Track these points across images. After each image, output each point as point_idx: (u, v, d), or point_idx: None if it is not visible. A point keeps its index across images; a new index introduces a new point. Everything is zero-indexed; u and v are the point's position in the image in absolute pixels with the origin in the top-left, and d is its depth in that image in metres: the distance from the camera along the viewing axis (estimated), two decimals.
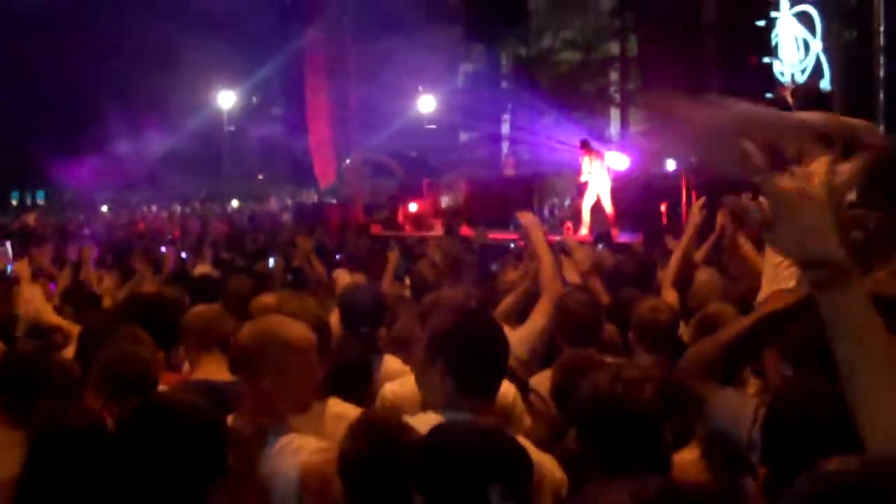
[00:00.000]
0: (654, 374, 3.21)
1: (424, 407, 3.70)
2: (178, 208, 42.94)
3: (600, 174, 20.13)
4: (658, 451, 3.01)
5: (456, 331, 3.58)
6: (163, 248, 14.97)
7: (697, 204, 6.57)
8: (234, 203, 46.44)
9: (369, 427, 3.08)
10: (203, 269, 10.79)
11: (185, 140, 44.19)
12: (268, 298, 5.47)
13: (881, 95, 4.25)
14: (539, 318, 5.24)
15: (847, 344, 1.91)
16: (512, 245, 15.43)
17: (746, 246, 6.60)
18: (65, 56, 41.39)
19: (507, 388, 4.57)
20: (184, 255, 14.60)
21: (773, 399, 2.76)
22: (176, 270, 10.87)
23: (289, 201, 39.56)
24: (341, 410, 4.10)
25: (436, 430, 2.81)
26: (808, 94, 5.40)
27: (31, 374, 4.17)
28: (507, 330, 4.32)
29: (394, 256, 9.91)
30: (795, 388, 2.92)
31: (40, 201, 53.77)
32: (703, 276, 6.80)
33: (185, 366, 5.20)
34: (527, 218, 6.11)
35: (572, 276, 7.02)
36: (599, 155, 20.54)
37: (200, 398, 3.16)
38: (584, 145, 20.86)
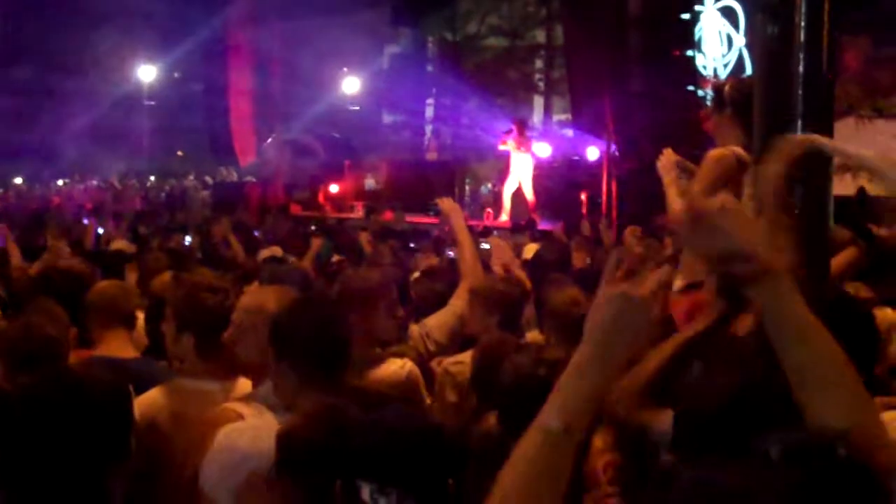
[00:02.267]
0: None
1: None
2: (94, 182, 42.22)
3: (524, 161, 20.19)
4: None
5: (293, 324, 3.50)
6: (85, 220, 14.69)
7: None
8: (152, 179, 45.82)
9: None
10: (118, 244, 10.62)
11: (104, 113, 43.43)
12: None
13: (800, 92, 4.32)
14: (458, 302, 5.30)
15: (786, 344, 1.95)
16: (435, 231, 15.47)
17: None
18: None
19: (404, 366, 4.59)
20: (100, 230, 14.37)
21: (682, 394, 2.83)
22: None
23: (208, 179, 39.07)
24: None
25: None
26: (742, 92, 5.46)
27: None
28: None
29: (317, 242, 9.88)
30: (701, 383, 3.02)
31: None
32: None
33: None
34: (447, 204, 6.15)
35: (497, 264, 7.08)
36: (528, 141, 20.60)
37: (105, 374, 3.09)
38: (521, 125, 20.89)
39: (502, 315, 5.31)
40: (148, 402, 3.87)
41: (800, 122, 4.77)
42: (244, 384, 4.00)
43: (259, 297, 3.98)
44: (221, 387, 3.95)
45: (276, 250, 9.65)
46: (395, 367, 4.61)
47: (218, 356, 3.98)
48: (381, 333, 4.74)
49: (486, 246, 8.86)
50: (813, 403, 1.92)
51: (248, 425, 3.32)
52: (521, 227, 13.92)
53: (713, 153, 5.54)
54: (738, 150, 5.43)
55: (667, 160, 5.73)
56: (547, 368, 3.03)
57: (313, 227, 15.73)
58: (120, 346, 4.72)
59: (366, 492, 2.28)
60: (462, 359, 5.03)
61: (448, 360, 5.13)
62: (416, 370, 4.68)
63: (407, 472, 2.27)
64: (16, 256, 8.22)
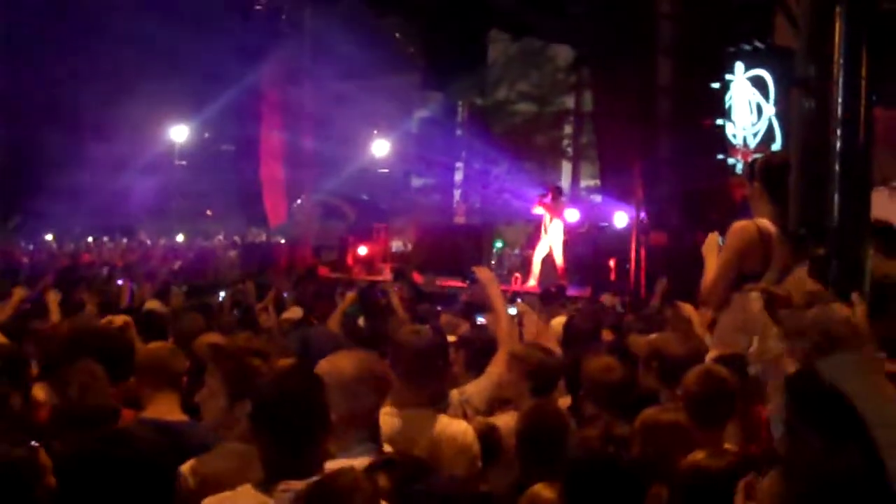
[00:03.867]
0: (637, 430, 3.26)
1: None
2: (125, 241, 42.54)
3: (556, 226, 20.23)
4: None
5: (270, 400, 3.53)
6: (119, 281, 14.79)
7: None
8: (180, 237, 46.14)
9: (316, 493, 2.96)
10: (151, 304, 10.69)
11: (135, 171, 43.83)
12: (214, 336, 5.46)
13: (837, 166, 4.37)
14: (495, 369, 5.36)
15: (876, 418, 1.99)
16: (463, 295, 15.48)
17: (688, 309, 6.68)
18: (13, 81, 41.05)
19: (467, 429, 4.62)
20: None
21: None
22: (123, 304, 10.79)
23: (237, 239, 39.32)
24: None
25: None
26: (770, 165, 5.52)
27: None
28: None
29: (349, 297, 9.90)
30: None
31: None
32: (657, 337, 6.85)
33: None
34: (483, 273, 6.25)
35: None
36: (562, 207, 20.64)
37: (156, 438, 3.13)
38: (557, 191, 20.97)
39: (537, 382, 5.35)
40: (201, 466, 3.90)
41: (836, 195, 4.80)
42: None
43: (335, 362, 4.01)
44: None
45: (297, 311, 9.68)
46: (462, 429, 4.64)
47: None
48: (433, 394, 4.78)
49: (512, 311, 8.87)
50: None
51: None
52: (552, 294, 13.89)
53: (736, 225, 5.60)
54: (763, 221, 5.47)
55: (711, 243, 5.80)
56: (616, 445, 3.08)
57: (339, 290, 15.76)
58: (168, 409, 4.72)
59: None
60: (493, 421, 5.07)
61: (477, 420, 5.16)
62: (472, 430, 4.70)
63: None
64: (55, 314, 8.27)
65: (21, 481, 2.90)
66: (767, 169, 5.63)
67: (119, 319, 6.49)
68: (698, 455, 3.31)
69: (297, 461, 3.39)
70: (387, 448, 4.01)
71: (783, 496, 2.31)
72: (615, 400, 4.80)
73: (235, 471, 3.68)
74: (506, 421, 5.00)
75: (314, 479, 3.11)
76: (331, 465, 3.41)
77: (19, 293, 8.62)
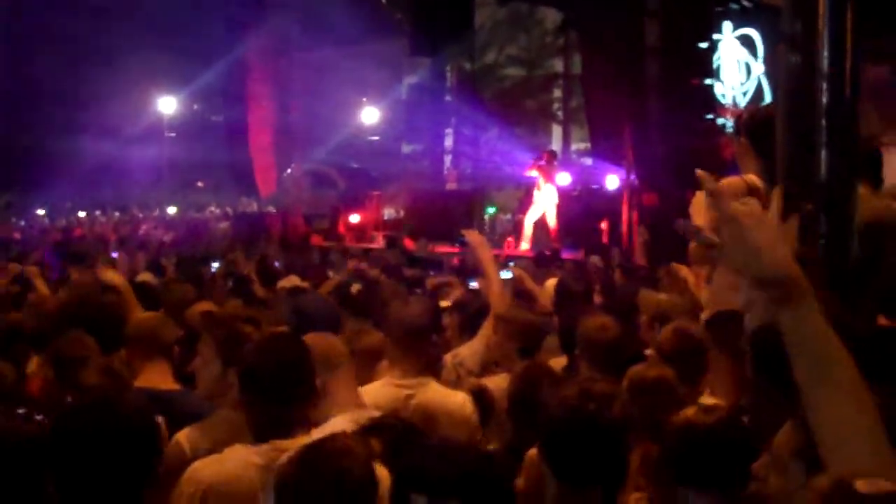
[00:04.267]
0: (618, 389, 3.25)
1: None
2: (116, 214, 42.47)
3: (548, 190, 20.22)
4: (620, 467, 3.04)
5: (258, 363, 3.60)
6: (114, 254, 14.77)
7: None
8: (173, 210, 46.07)
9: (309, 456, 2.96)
10: (143, 276, 10.67)
11: (124, 144, 43.72)
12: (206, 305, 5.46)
13: (823, 120, 4.35)
14: (487, 332, 5.39)
15: (805, 360, 1.96)
16: (454, 259, 15.52)
17: (683, 271, 6.70)
18: (1, 54, 40.90)
19: (465, 400, 4.64)
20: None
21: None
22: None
23: (228, 210, 39.27)
24: None
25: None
26: (755, 120, 5.50)
27: None
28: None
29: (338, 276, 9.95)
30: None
31: None
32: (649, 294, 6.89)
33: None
34: (474, 236, 6.25)
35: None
36: (554, 171, 20.63)
37: (146, 405, 3.14)
38: (551, 155, 20.98)
39: (523, 342, 5.37)
40: (197, 434, 3.93)
41: (824, 150, 4.81)
42: None
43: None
44: None
45: (295, 280, 9.69)
46: (460, 401, 4.66)
47: None
48: (428, 360, 4.80)
49: (507, 275, 8.90)
50: (832, 462, 1.93)
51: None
52: (547, 257, 13.91)
53: (723, 181, 5.59)
54: (751, 177, 5.47)
55: (698, 202, 5.78)
56: (595, 403, 3.02)
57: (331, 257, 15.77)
58: (161, 378, 4.73)
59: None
60: (483, 382, 5.10)
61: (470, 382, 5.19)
62: (469, 399, 4.72)
63: (460, 488, 2.28)
64: (41, 288, 8.25)
65: (32, 459, 2.93)
66: (752, 123, 5.63)
67: (118, 279, 6.47)
68: (688, 412, 3.31)
69: (284, 423, 3.46)
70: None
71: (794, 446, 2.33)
72: (610, 359, 4.80)
73: (229, 438, 3.71)
74: (497, 383, 5.02)
75: (304, 440, 3.13)
76: (318, 431, 3.45)
77: (13, 268, 8.62)
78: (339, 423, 3.62)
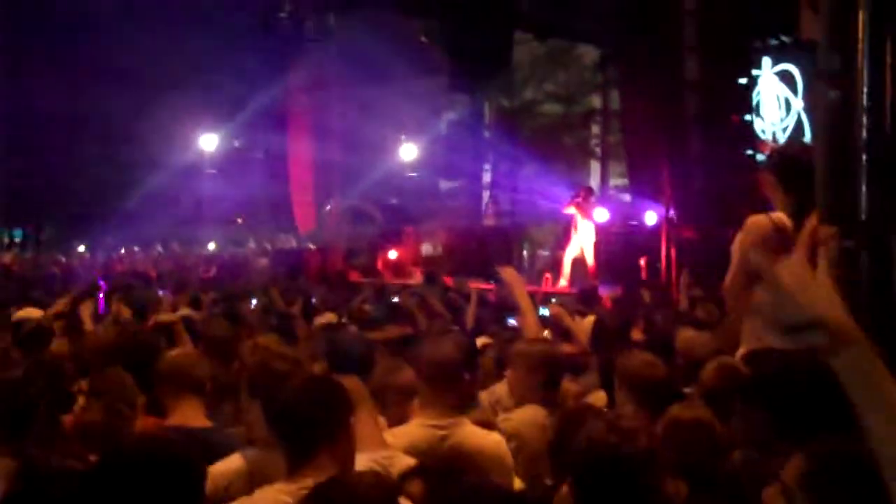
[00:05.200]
0: (646, 423, 3.22)
1: None
2: (159, 249, 42.78)
3: (586, 227, 20.22)
4: (647, 500, 3.01)
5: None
6: (161, 292, 14.86)
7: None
8: (212, 246, 46.34)
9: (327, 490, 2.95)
10: (183, 311, 10.72)
11: (165, 181, 44.06)
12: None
13: (863, 156, 4.31)
14: None
15: (860, 394, 1.91)
16: (490, 296, 15.45)
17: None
18: (47, 89, 41.45)
19: (500, 441, 4.60)
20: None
21: None
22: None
23: (267, 246, 39.45)
24: None
25: None
26: (784, 156, 5.48)
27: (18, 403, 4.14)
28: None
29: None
30: None
31: (17, 239, 53.34)
32: (688, 333, 6.81)
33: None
34: (508, 273, 6.23)
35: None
36: (592, 207, 20.63)
37: (177, 440, 3.14)
38: (588, 192, 21.01)
39: (544, 375, 5.29)
40: (222, 470, 3.92)
41: (864, 186, 4.77)
42: None
43: None
44: None
45: (330, 317, 9.71)
46: (494, 440, 4.63)
47: None
48: (462, 397, 4.76)
49: (545, 312, 8.86)
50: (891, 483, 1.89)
51: None
52: (586, 294, 13.83)
53: (749, 220, 5.55)
54: (779, 215, 5.42)
55: (739, 242, 5.73)
56: (619, 436, 3.00)
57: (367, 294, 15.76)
58: (192, 416, 4.72)
59: None
60: (510, 416, 5.06)
61: (499, 417, 5.15)
62: (503, 441, 4.68)
63: None
64: (88, 323, 8.32)
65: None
66: (781, 160, 5.60)
67: (168, 318, 6.51)
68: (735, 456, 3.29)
69: (313, 461, 3.45)
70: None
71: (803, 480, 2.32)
72: (651, 397, 4.74)
73: (260, 476, 3.72)
74: (526, 415, 4.97)
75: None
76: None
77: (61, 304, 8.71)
78: (358, 461, 3.61)
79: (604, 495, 2.96)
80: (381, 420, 4.68)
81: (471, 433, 4.60)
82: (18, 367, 5.46)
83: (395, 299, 12.63)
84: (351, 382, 4.10)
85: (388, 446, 4.08)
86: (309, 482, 3.28)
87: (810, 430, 2.33)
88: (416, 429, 4.55)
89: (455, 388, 4.68)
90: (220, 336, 6.77)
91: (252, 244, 43.11)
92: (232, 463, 3.96)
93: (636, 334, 8.74)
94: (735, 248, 5.71)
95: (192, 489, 2.93)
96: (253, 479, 3.86)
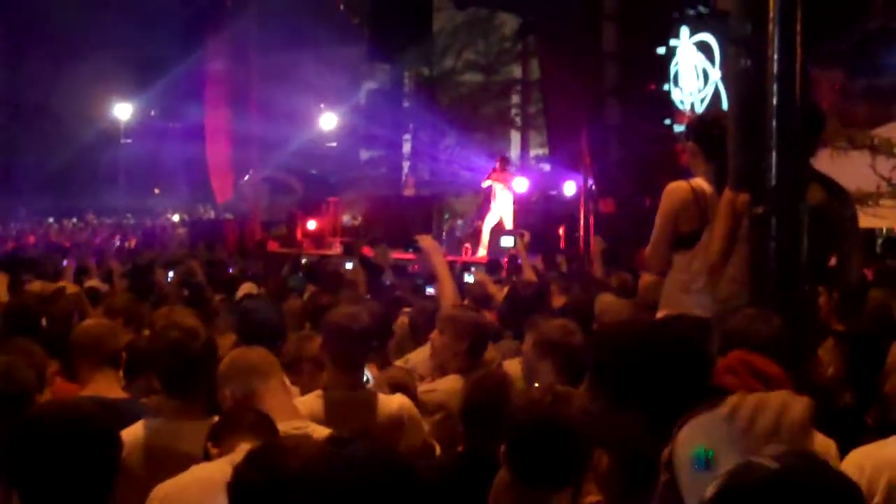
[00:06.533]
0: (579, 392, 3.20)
1: None
2: (73, 221, 42.07)
3: (505, 197, 20.28)
4: (581, 468, 2.99)
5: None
6: (65, 262, 14.59)
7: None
8: (129, 216, 45.72)
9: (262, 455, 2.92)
10: (92, 281, 10.56)
11: (79, 151, 43.32)
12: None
13: (773, 123, 4.33)
14: (435, 335, 5.32)
15: None
16: (411, 266, 15.46)
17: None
18: None
19: (398, 400, 4.59)
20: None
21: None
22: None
23: (185, 216, 39.06)
24: None
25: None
26: (704, 124, 5.51)
27: None
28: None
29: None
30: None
31: None
32: (608, 299, 6.84)
33: None
34: (427, 242, 6.23)
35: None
36: (510, 177, 20.70)
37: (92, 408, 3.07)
38: (504, 161, 21.05)
39: (471, 341, 5.25)
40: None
41: (774, 153, 4.80)
42: None
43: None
44: (194, 426, 3.86)
45: (249, 287, 9.63)
46: (399, 403, 4.64)
47: (186, 395, 4.03)
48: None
49: (469, 279, 8.89)
50: None
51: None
52: (500, 264, 13.87)
53: (668, 186, 5.60)
54: (697, 180, 5.47)
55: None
56: (556, 399, 3.01)
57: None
58: (107, 386, 4.63)
59: None
60: (434, 386, 5.03)
61: (421, 388, 5.11)
62: (408, 402, 4.67)
63: None
64: (2, 295, 8.14)
65: None
66: (701, 128, 5.65)
67: (71, 288, 6.41)
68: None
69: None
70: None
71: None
72: (571, 363, 4.71)
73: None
74: (448, 384, 4.95)
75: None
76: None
77: None
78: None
79: (539, 459, 2.95)
80: (295, 390, 4.64)
81: (374, 399, 4.60)
82: None
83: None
84: (261, 353, 4.07)
85: (301, 416, 4.05)
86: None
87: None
88: (316, 399, 4.52)
89: (360, 363, 4.66)
90: (121, 307, 6.67)
91: (169, 215, 42.61)
92: (130, 433, 3.90)
93: (557, 301, 8.75)
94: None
95: (109, 459, 2.88)
96: (151, 452, 3.85)
